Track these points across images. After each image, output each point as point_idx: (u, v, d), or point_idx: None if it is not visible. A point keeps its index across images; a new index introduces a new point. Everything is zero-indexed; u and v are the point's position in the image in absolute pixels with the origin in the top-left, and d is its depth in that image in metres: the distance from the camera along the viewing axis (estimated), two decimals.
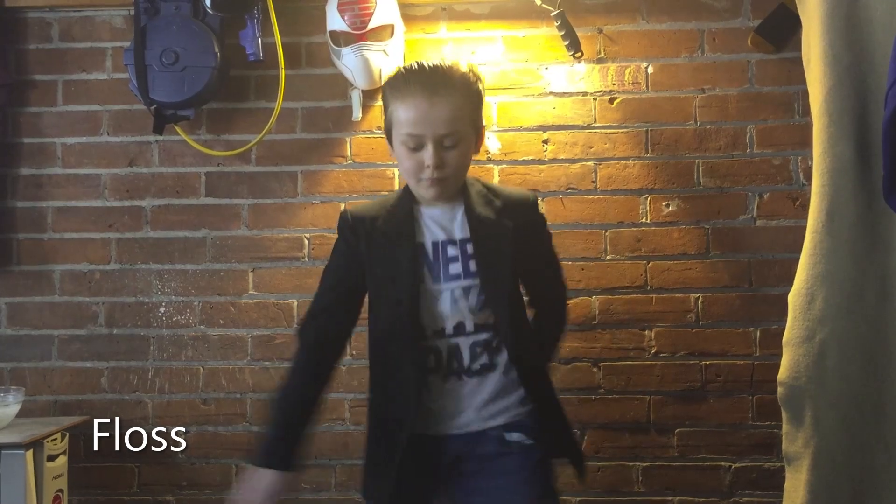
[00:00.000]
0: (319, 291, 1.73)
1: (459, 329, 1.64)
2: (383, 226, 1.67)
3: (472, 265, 1.63)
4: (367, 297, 1.71)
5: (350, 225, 1.69)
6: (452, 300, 1.63)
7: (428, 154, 1.59)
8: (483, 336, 1.64)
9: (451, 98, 1.60)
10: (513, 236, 1.66)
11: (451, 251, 1.65)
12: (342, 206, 2.40)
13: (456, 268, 1.64)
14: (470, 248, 1.64)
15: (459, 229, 1.66)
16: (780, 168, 2.43)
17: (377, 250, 1.66)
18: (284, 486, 1.64)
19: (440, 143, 1.59)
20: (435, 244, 1.65)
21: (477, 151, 1.71)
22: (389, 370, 1.66)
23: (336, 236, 1.74)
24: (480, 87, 1.68)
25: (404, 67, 1.69)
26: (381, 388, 1.68)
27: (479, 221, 1.65)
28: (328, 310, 1.71)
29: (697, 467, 2.41)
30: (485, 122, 1.74)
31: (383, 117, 1.69)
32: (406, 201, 1.69)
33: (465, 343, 1.64)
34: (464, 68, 1.66)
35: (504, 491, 1.63)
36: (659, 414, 2.42)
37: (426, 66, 1.65)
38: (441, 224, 1.67)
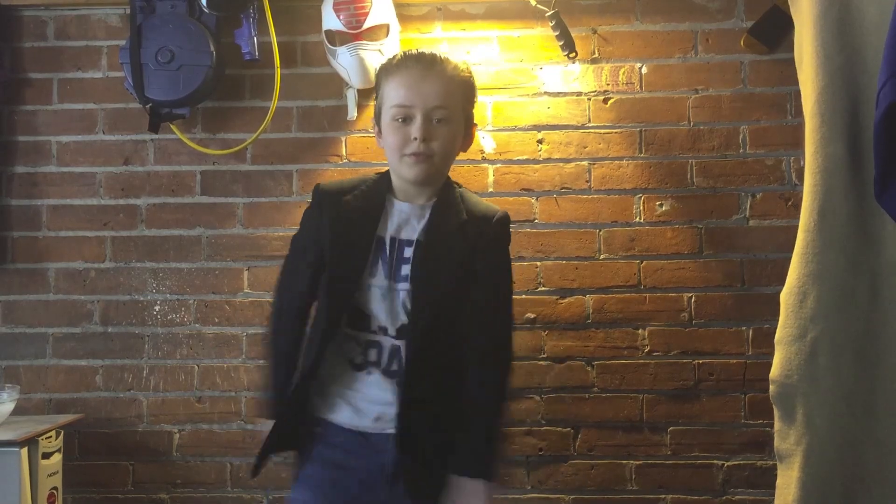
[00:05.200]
0: (287, 257, 1.79)
1: (402, 332, 1.62)
2: (351, 207, 1.66)
3: (413, 270, 1.62)
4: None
5: (318, 200, 1.70)
6: (400, 301, 1.62)
7: (416, 126, 1.59)
8: (411, 339, 1.62)
9: (444, 76, 1.62)
10: (465, 251, 1.63)
11: (407, 252, 1.64)
12: None
13: (406, 269, 1.62)
14: (416, 253, 1.63)
15: (420, 231, 1.65)
16: (773, 168, 2.45)
17: (338, 231, 1.65)
18: None
19: (429, 117, 1.60)
20: (393, 240, 1.64)
21: (465, 148, 1.71)
22: (320, 348, 1.64)
23: None
24: (473, 82, 1.69)
25: (399, 53, 1.72)
26: (325, 368, 1.67)
27: (437, 229, 1.64)
28: (295, 274, 1.74)
29: (690, 465, 2.42)
30: (476, 123, 1.74)
31: (374, 104, 1.70)
32: (381, 188, 1.68)
33: (401, 343, 1.63)
34: (459, 63, 1.68)
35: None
36: (652, 412, 2.43)
37: (422, 50, 1.68)
38: (407, 220, 1.66)
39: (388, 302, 1.62)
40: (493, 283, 1.70)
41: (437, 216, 1.65)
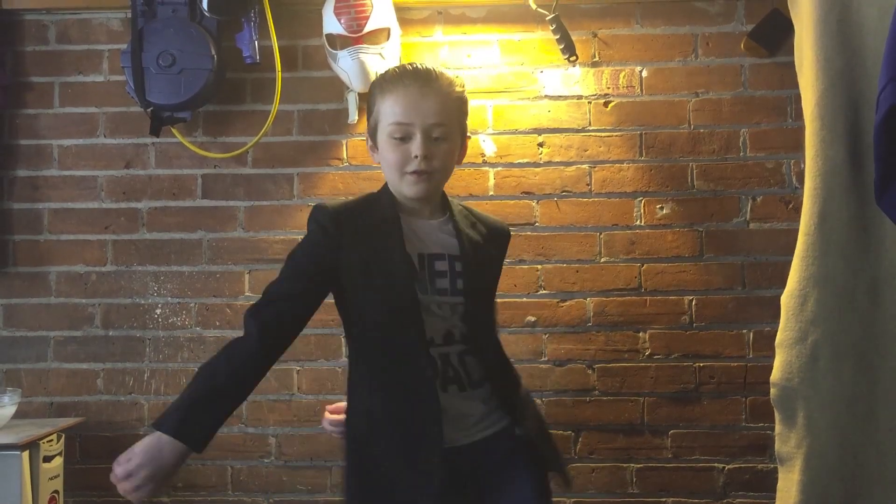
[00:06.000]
0: (284, 277, 1.62)
1: (448, 339, 1.63)
2: (370, 228, 1.62)
3: (460, 283, 1.63)
4: (346, 302, 1.65)
5: (332, 219, 1.61)
6: (440, 313, 1.62)
7: (416, 144, 1.58)
8: (466, 348, 1.64)
9: (442, 91, 1.61)
10: (494, 260, 1.75)
11: (440, 266, 1.63)
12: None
13: (444, 283, 1.62)
14: (459, 266, 1.64)
15: (447, 245, 1.65)
16: (773, 171, 2.45)
17: (365, 253, 1.60)
18: (178, 464, 1.49)
19: (429, 134, 1.59)
20: (421, 256, 1.63)
21: (460, 161, 1.72)
22: (399, 377, 1.59)
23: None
24: (467, 96, 1.70)
25: (393, 68, 1.70)
26: (390, 395, 1.60)
27: (469, 242, 1.67)
28: (291, 298, 1.60)
29: (691, 468, 2.42)
30: (470, 135, 1.75)
31: (367, 119, 1.68)
32: (389, 206, 1.65)
33: (453, 352, 1.63)
34: (453, 77, 1.67)
35: (521, 487, 1.64)
36: (653, 415, 2.43)
37: (416, 64, 1.66)
38: (427, 236, 1.65)
39: (430, 314, 1.62)
40: (494, 287, 1.81)
41: (462, 228, 1.68)
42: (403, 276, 1.60)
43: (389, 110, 1.61)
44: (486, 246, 1.71)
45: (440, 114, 1.60)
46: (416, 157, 1.58)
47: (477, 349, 1.65)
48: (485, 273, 1.69)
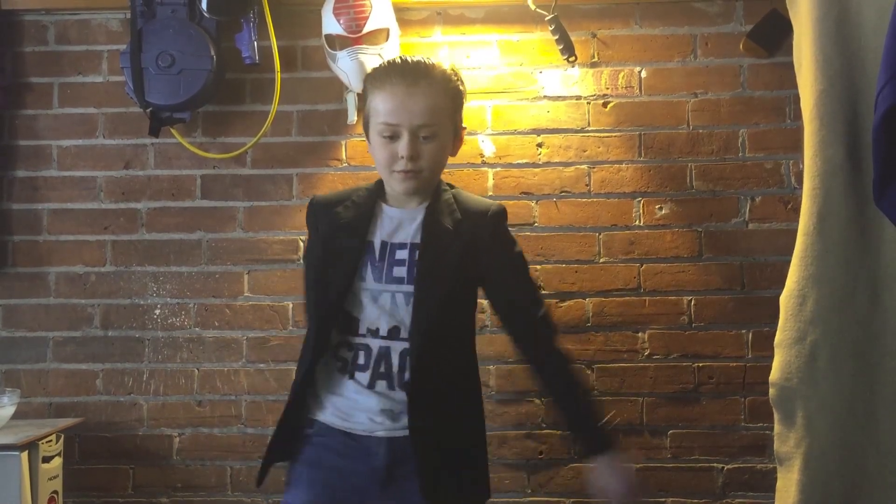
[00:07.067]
0: (307, 284, 1.78)
1: (394, 333, 1.63)
2: (342, 216, 1.68)
3: (414, 272, 1.62)
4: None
5: (313, 212, 1.74)
6: (392, 303, 1.62)
7: (403, 145, 1.59)
8: (412, 346, 1.62)
9: (430, 90, 1.61)
10: (463, 250, 1.63)
11: (400, 254, 1.64)
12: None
13: (401, 271, 1.63)
14: (416, 255, 1.63)
15: (414, 234, 1.65)
16: (772, 171, 2.45)
17: (329, 238, 1.68)
18: None
19: (416, 135, 1.59)
20: (384, 244, 1.65)
21: (454, 153, 1.71)
22: (313, 357, 1.66)
23: None
24: (462, 87, 1.68)
25: (386, 61, 1.70)
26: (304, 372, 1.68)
27: (433, 230, 1.64)
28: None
29: (690, 469, 2.42)
30: (465, 126, 1.74)
31: (363, 111, 1.70)
32: (372, 196, 1.70)
33: (396, 348, 1.63)
34: (446, 67, 1.67)
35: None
36: (652, 415, 2.43)
37: (408, 59, 1.65)
38: (398, 225, 1.67)
39: (378, 304, 1.63)
40: (509, 271, 1.71)
41: (430, 217, 1.65)
42: (348, 265, 1.63)
43: (380, 107, 1.62)
44: (455, 232, 1.64)
45: (428, 114, 1.60)
46: (403, 157, 1.59)
47: (418, 341, 1.60)
48: (443, 262, 1.62)
